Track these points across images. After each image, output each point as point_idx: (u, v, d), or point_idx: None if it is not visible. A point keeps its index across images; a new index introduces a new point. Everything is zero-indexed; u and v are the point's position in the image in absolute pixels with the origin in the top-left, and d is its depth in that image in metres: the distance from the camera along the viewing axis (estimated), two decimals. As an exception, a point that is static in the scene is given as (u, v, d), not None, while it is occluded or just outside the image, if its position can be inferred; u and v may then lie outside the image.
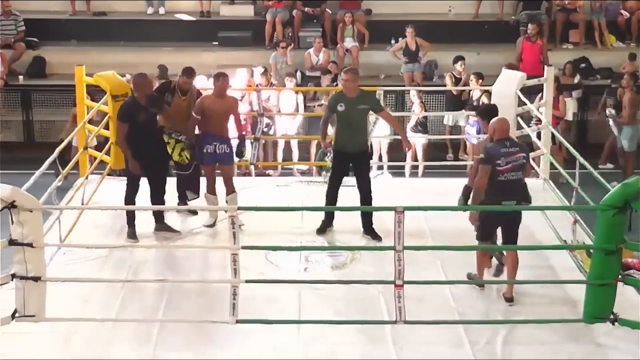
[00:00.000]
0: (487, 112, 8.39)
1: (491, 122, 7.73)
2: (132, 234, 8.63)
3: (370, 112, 8.93)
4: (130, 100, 8.73)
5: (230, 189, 8.97)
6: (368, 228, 8.74)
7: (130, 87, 9.22)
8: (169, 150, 9.01)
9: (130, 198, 8.62)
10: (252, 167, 12.22)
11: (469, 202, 7.70)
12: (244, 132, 9.44)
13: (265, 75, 13.64)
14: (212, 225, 8.99)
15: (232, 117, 9.00)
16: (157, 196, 8.72)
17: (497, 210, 7.44)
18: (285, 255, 8.25)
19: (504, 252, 7.69)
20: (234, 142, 9.17)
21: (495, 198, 7.39)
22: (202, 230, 8.94)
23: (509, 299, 7.48)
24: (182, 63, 9.51)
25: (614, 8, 16.67)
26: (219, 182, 9.05)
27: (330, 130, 9.28)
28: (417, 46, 15.23)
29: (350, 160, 8.79)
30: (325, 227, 8.88)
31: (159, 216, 8.82)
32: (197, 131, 8.93)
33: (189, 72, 9.20)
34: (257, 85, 13.01)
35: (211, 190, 9.03)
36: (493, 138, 7.57)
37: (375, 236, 8.70)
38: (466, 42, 16.06)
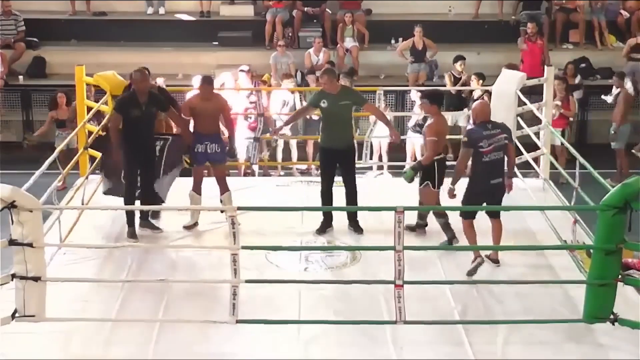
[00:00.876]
0: (432, 95, 8.65)
1: (473, 106, 8.23)
2: (132, 234, 8.61)
3: (355, 106, 8.97)
4: (129, 94, 8.67)
5: (224, 189, 8.96)
6: (353, 221, 8.85)
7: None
8: None
9: (129, 198, 8.61)
10: (254, 167, 12.18)
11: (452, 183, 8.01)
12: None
13: (249, 73, 13.48)
14: (192, 227, 8.92)
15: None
16: (147, 194, 8.67)
17: (492, 209, 7.80)
18: (285, 255, 8.25)
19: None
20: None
21: (482, 179, 7.81)
22: (201, 231, 8.93)
23: (495, 261, 7.95)
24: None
25: (614, 8, 16.68)
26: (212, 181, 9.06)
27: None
28: (424, 45, 15.21)
29: (337, 157, 8.81)
30: (324, 227, 8.87)
31: (143, 212, 8.81)
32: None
33: (139, 71, 9.11)
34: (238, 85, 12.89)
35: (197, 189, 8.97)
36: (475, 121, 7.95)
37: (358, 229, 8.81)
38: (466, 42, 16.04)
